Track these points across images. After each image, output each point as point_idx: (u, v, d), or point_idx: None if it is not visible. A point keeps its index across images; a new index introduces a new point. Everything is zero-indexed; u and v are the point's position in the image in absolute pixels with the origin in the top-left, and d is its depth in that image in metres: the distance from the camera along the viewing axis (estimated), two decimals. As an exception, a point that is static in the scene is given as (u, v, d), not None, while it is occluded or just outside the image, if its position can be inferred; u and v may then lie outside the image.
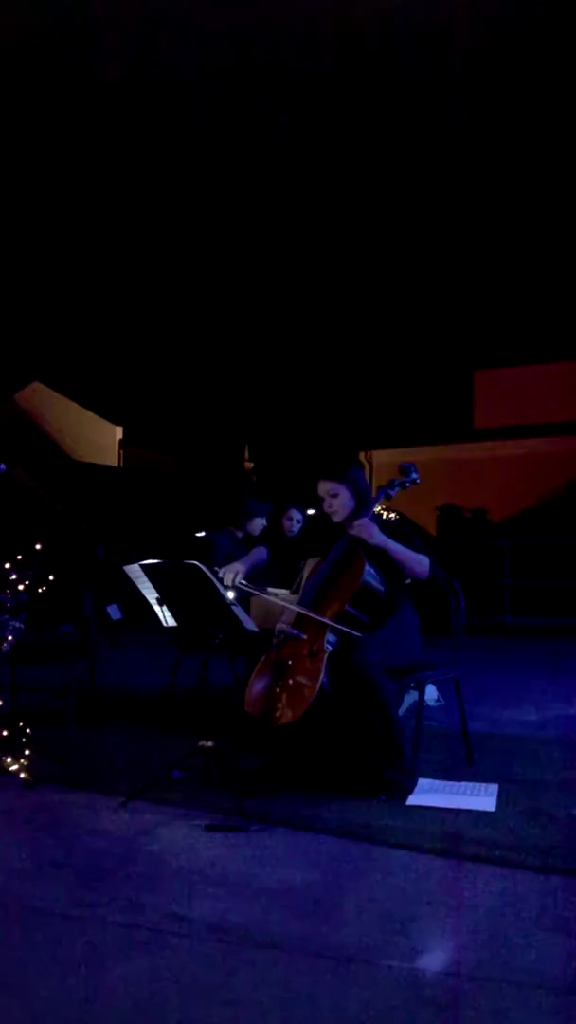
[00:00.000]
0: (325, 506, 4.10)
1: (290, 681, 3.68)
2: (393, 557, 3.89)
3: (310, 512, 6.36)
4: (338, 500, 4.04)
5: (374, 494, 4.05)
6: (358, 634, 3.69)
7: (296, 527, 6.08)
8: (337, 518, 4.06)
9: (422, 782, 3.78)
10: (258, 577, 5.49)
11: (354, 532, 3.86)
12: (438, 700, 5.52)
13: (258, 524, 5.62)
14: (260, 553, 4.28)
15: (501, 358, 23.67)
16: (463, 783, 3.81)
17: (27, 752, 3.91)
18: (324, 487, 4.07)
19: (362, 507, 3.99)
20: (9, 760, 3.83)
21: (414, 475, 4.06)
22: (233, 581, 3.99)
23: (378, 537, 3.86)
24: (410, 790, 3.66)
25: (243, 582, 4.01)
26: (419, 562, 3.91)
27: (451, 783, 3.80)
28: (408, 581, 4.13)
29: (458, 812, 3.43)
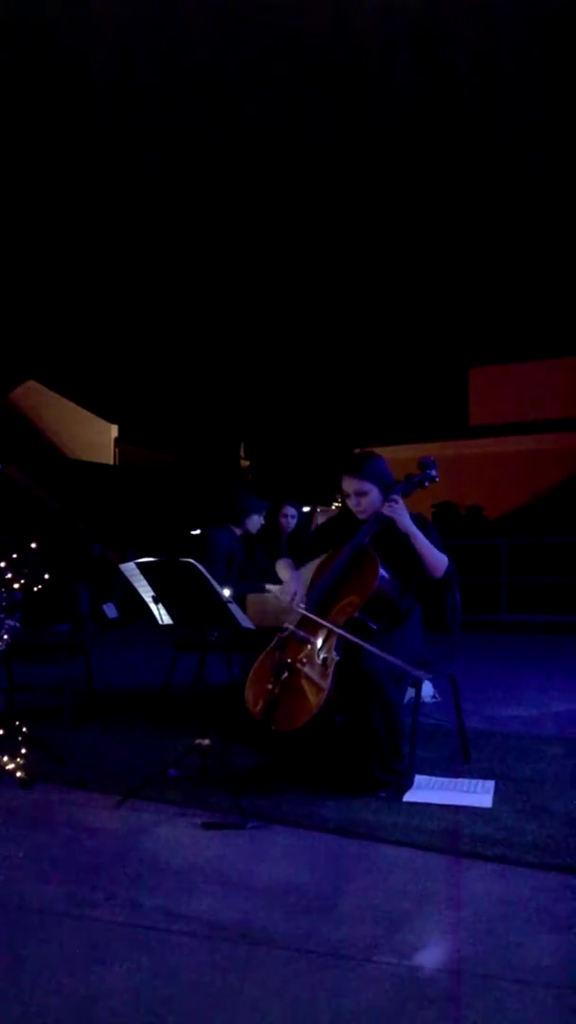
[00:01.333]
0: (352, 504, 3.93)
1: (295, 685, 3.63)
2: (415, 547, 3.78)
3: (305, 509, 6.36)
4: (367, 499, 3.89)
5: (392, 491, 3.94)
6: (367, 645, 3.55)
7: (292, 523, 6.08)
8: (364, 516, 3.92)
9: (419, 779, 3.78)
10: (253, 574, 5.49)
11: (387, 510, 3.77)
12: (434, 697, 5.53)
13: (256, 522, 5.61)
14: (289, 564, 4.09)
15: (496, 355, 23.67)
16: (460, 780, 3.81)
17: (24, 751, 3.90)
18: (352, 485, 3.90)
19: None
20: (6, 759, 3.83)
21: (433, 472, 3.91)
22: (296, 603, 3.78)
23: (408, 522, 3.78)
24: (407, 787, 3.66)
25: (302, 607, 3.76)
26: (439, 560, 3.80)
27: (448, 780, 3.81)
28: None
29: (455, 809, 3.43)
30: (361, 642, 3.58)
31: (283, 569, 4.09)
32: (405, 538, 3.84)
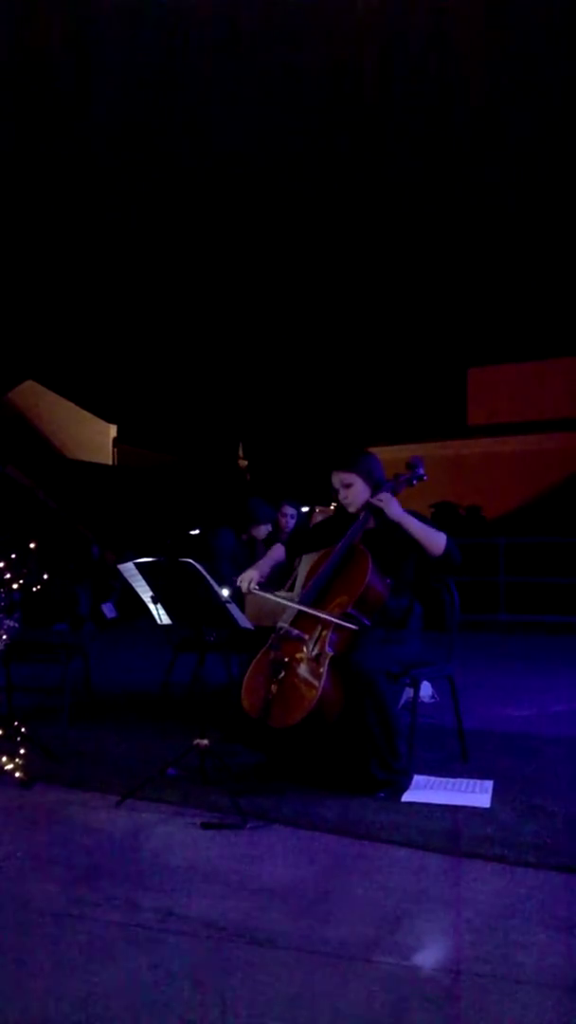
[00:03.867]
0: (340, 497, 4.06)
1: (290, 683, 3.65)
2: (408, 531, 3.84)
3: (304, 509, 6.36)
4: (352, 490, 4.00)
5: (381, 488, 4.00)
6: (367, 622, 3.64)
7: (291, 523, 6.08)
8: (353, 508, 4.02)
9: (417, 779, 3.79)
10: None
11: (375, 500, 3.87)
12: (433, 697, 5.53)
13: (263, 530, 5.63)
14: (278, 552, 4.21)
15: (495, 355, 23.70)
16: (458, 780, 3.81)
17: (23, 751, 3.90)
18: (337, 478, 4.03)
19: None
20: (5, 759, 3.82)
21: (420, 471, 3.99)
22: (248, 588, 3.93)
23: (397, 510, 3.85)
24: (405, 787, 3.66)
25: (255, 587, 3.94)
26: (436, 538, 3.85)
27: (446, 780, 3.81)
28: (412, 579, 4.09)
29: (454, 809, 3.43)
30: (353, 625, 3.63)
31: (268, 554, 4.22)
32: (398, 538, 3.87)
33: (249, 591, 3.95)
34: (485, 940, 2.38)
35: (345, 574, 3.84)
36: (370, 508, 3.94)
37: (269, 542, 5.76)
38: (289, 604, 3.86)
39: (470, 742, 4.31)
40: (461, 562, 3.94)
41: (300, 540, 4.32)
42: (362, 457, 4.06)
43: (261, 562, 4.14)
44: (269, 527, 5.67)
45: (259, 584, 3.97)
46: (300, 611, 3.79)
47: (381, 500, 3.88)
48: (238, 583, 3.96)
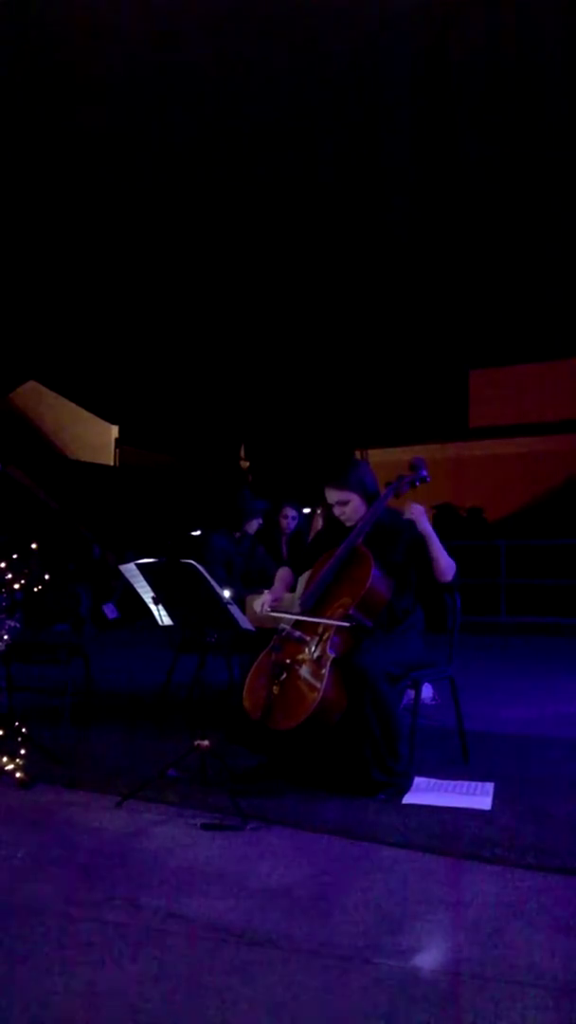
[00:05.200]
0: (336, 513, 4.05)
1: (292, 685, 3.64)
2: (429, 547, 3.86)
3: (306, 511, 6.36)
4: (350, 507, 3.99)
5: (382, 490, 3.99)
6: (368, 624, 3.65)
7: (292, 524, 6.08)
8: (351, 523, 4.01)
9: (418, 781, 3.78)
10: (255, 575, 5.50)
11: (409, 514, 3.87)
12: (434, 699, 5.52)
13: (254, 524, 5.63)
14: (287, 576, 4.17)
15: (496, 357, 23.72)
16: (459, 782, 3.81)
17: (23, 751, 3.90)
18: (333, 496, 4.01)
19: (372, 507, 3.95)
20: (5, 760, 3.82)
21: (423, 472, 3.97)
22: (262, 610, 3.92)
23: (426, 524, 3.87)
24: (406, 789, 3.66)
25: (268, 609, 3.93)
26: (448, 566, 3.89)
27: (447, 782, 3.81)
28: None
29: (454, 811, 3.43)
30: (355, 622, 3.64)
31: (277, 577, 4.17)
32: (400, 539, 3.89)
33: (263, 612, 3.92)
34: (485, 941, 2.38)
35: (347, 576, 3.83)
36: (376, 519, 3.92)
37: (261, 537, 5.76)
38: (303, 618, 3.81)
39: (471, 744, 4.30)
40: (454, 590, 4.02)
41: (304, 557, 4.28)
42: (354, 471, 4.01)
43: (275, 587, 4.10)
44: (260, 520, 5.67)
45: (269, 608, 3.95)
46: (296, 617, 3.79)
47: (412, 514, 3.88)
48: (255, 606, 3.97)
